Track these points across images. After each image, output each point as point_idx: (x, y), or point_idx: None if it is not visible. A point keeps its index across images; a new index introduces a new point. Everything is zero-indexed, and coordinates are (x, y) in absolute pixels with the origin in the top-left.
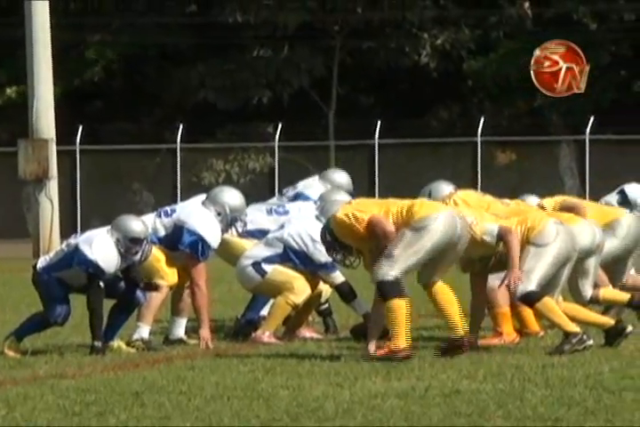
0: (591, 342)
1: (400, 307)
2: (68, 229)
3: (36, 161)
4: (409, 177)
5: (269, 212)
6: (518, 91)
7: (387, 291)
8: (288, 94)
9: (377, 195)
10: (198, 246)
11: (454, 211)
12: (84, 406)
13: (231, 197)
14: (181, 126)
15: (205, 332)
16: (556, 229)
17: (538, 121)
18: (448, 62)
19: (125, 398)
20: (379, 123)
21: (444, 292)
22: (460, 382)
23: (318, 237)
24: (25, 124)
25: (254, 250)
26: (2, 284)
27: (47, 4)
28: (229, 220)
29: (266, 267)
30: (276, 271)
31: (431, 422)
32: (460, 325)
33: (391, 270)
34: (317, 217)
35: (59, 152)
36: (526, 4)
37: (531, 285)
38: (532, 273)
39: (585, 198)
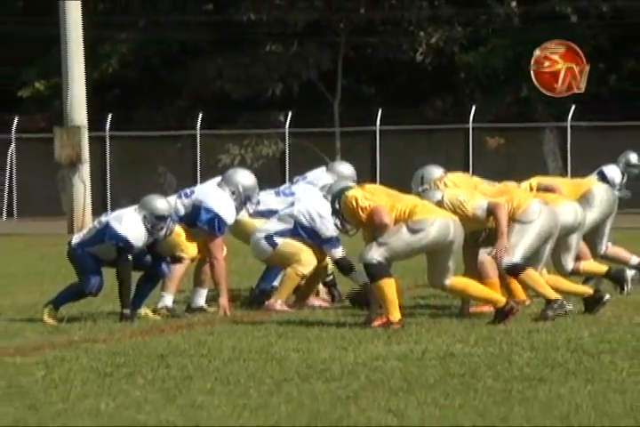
0: (571, 306)
1: (388, 285)
2: (98, 208)
3: (70, 146)
4: (407, 160)
5: (277, 194)
6: (506, 82)
7: (373, 273)
8: (297, 86)
9: (378, 176)
10: (215, 223)
11: (451, 218)
12: (114, 368)
13: (244, 177)
14: (201, 115)
15: (224, 300)
16: (540, 208)
17: (524, 109)
18: (442, 57)
19: (152, 360)
20: (379, 111)
21: (461, 285)
22: (453, 345)
23: (325, 214)
24: (55, 114)
25: (267, 224)
26: (40, 257)
27: (79, 3)
28: (243, 198)
29: (277, 240)
30: (285, 244)
31: (428, 382)
32: (495, 297)
33: (377, 255)
34: (324, 196)
35: (90, 138)
36: (513, 4)
37: (515, 257)
38: (517, 247)
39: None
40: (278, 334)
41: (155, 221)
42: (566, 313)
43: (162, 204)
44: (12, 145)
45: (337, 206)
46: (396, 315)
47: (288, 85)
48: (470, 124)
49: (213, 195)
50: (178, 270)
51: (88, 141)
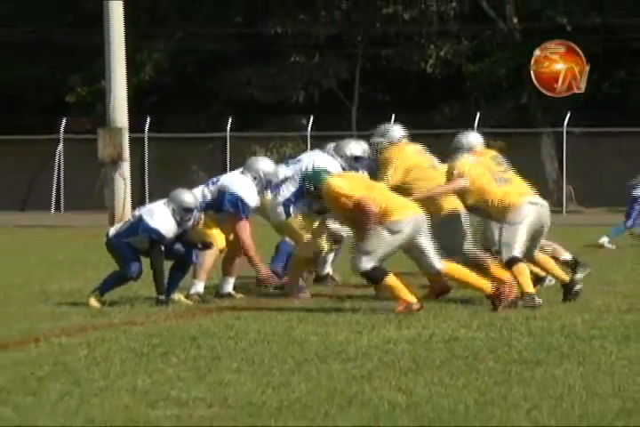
0: (540, 301)
1: (390, 280)
2: (137, 202)
3: (112, 146)
4: None
5: (287, 164)
6: (507, 90)
7: (372, 278)
8: (318, 93)
9: None
10: (239, 205)
11: (421, 213)
12: (150, 348)
13: (264, 164)
14: (230, 119)
15: (264, 272)
16: (528, 209)
17: (524, 116)
18: (450, 67)
19: (184, 342)
20: (393, 117)
21: (452, 272)
22: (458, 330)
23: (330, 168)
24: (98, 117)
25: (285, 192)
26: (84, 247)
27: (122, 16)
28: (264, 183)
29: (292, 210)
30: (296, 220)
31: (434, 364)
32: (483, 285)
33: (368, 263)
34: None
35: (130, 139)
36: (515, 20)
37: (514, 252)
38: (516, 243)
39: (562, 180)
40: (299, 318)
41: (183, 213)
42: (534, 306)
43: (188, 197)
44: (60, 145)
45: (310, 187)
46: (410, 298)
47: (310, 93)
48: (475, 129)
49: (237, 180)
50: (208, 260)
51: (128, 142)
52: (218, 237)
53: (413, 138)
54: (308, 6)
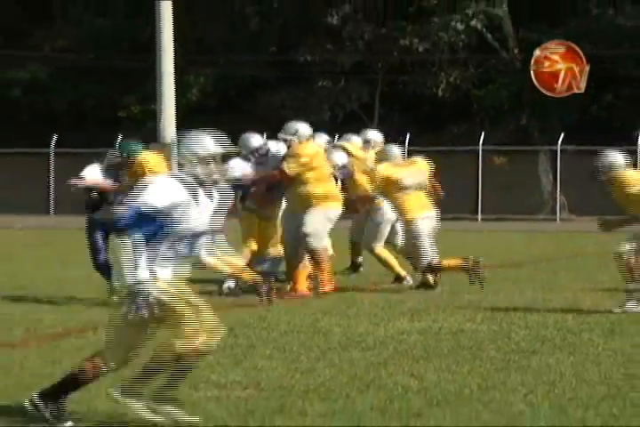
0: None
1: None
2: None
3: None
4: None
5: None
6: (509, 113)
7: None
8: (342, 114)
9: None
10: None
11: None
12: None
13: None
14: (265, 135)
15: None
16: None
17: (523, 135)
18: (458, 92)
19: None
20: (408, 135)
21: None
22: (464, 323)
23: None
24: (148, 133)
25: None
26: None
27: (172, 44)
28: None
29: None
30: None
31: (442, 353)
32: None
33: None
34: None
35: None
36: (516, 50)
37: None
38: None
39: (557, 191)
40: (324, 311)
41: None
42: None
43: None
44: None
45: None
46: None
47: (335, 113)
48: (480, 146)
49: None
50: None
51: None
52: (251, 240)
53: (425, 154)
54: (335, 37)
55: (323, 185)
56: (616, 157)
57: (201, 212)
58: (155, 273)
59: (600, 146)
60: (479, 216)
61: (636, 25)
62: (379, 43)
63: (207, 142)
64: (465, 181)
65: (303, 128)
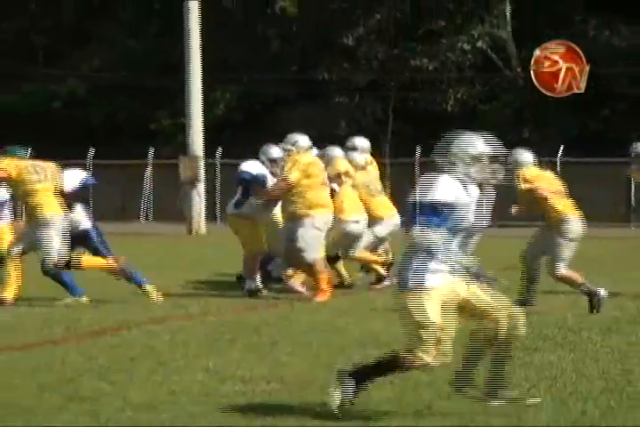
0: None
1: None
2: (210, 215)
3: (190, 170)
4: None
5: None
6: (512, 127)
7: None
8: (357, 129)
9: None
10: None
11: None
12: (220, 335)
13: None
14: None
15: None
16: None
17: (525, 145)
18: (465, 108)
19: (248, 329)
20: (418, 147)
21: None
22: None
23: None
24: (178, 146)
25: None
26: (168, 250)
27: (199, 63)
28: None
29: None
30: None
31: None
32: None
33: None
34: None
35: (205, 165)
36: (519, 69)
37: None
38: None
39: None
40: (341, 311)
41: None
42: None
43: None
44: (149, 168)
45: None
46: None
47: (351, 129)
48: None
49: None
50: (250, 261)
51: (204, 167)
52: (251, 240)
53: (434, 165)
54: (351, 57)
55: (314, 192)
56: (522, 156)
57: (473, 210)
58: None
59: (597, 157)
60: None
61: (630, 45)
62: (391, 62)
63: (477, 142)
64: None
65: (302, 139)
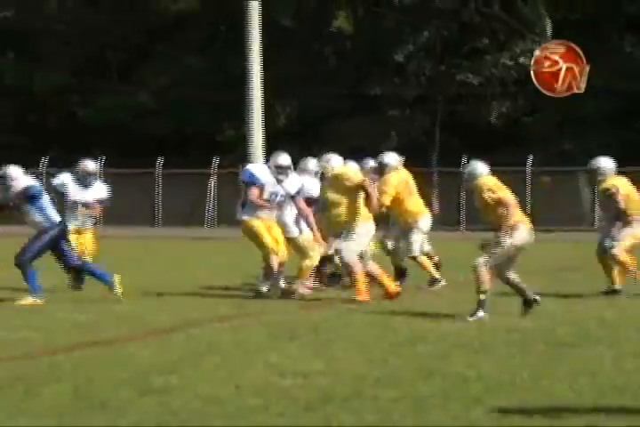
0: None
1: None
2: None
3: None
4: None
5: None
6: (553, 138)
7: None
8: (407, 139)
9: (464, 204)
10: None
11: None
12: (280, 332)
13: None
14: (342, 157)
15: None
16: None
17: (565, 157)
18: (509, 120)
19: (307, 327)
20: (464, 158)
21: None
22: (515, 321)
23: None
24: (241, 156)
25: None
26: (235, 253)
27: (260, 79)
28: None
29: (303, 227)
30: (305, 238)
31: (496, 346)
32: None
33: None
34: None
35: None
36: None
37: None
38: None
39: (595, 205)
40: (391, 310)
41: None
42: None
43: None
44: (213, 177)
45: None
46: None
47: (402, 139)
48: (528, 167)
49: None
50: (273, 263)
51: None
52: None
53: None
54: (401, 73)
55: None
56: (475, 167)
57: None
58: None
59: (632, 166)
60: None
61: None
62: (439, 78)
63: None
64: (516, 197)
65: (335, 159)
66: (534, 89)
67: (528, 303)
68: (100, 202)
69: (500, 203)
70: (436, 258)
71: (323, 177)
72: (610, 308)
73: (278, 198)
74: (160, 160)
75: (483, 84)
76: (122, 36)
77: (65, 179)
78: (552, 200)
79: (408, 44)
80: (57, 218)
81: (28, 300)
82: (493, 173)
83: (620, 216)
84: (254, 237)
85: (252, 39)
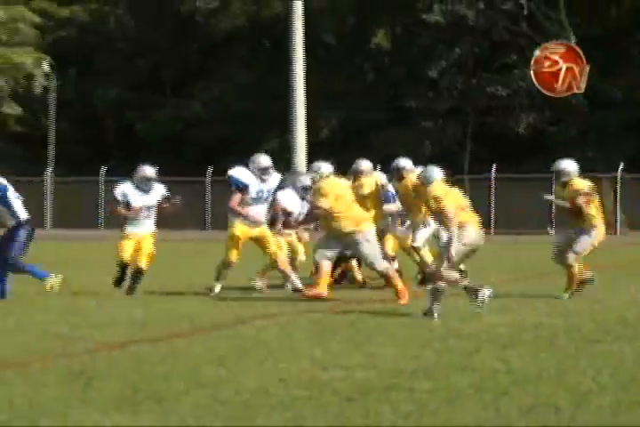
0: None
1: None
2: None
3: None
4: (510, 197)
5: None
6: (576, 147)
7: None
8: (439, 149)
9: (493, 207)
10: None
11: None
12: (323, 328)
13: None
14: (379, 167)
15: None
16: None
17: (589, 165)
18: (536, 130)
19: (346, 324)
20: (494, 166)
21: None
22: (542, 318)
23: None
24: (285, 162)
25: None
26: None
27: (303, 93)
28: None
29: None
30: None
31: (525, 342)
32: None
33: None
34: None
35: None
36: (581, 96)
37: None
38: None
39: (617, 210)
40: (424, 310)
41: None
42: None
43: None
44: None
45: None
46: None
47: (434, 148)
48: (554, 175)
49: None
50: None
51: None
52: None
53: (507, 181)
54: (434, 87)
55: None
56: (430, 173)
57: None
58: None
59: None
60: (552, 231)
61: None
62: (470, 91)
63: None
64: (541, 202)
65: (324, 166)
66: (558, 100)
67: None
68: (167, 200)
69: (441, 212)
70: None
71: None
72: (631, 307)
73: (265, 195)
74: (210, 168)
75: (511, 96)
76: (176, 54)
77: (125, 188)
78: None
79: (440, 60)
80: (25, 215)
81: (49, 282)
82: (520, 180)
83: (579, 220)
84: (228, 239)
85: (296, 55)
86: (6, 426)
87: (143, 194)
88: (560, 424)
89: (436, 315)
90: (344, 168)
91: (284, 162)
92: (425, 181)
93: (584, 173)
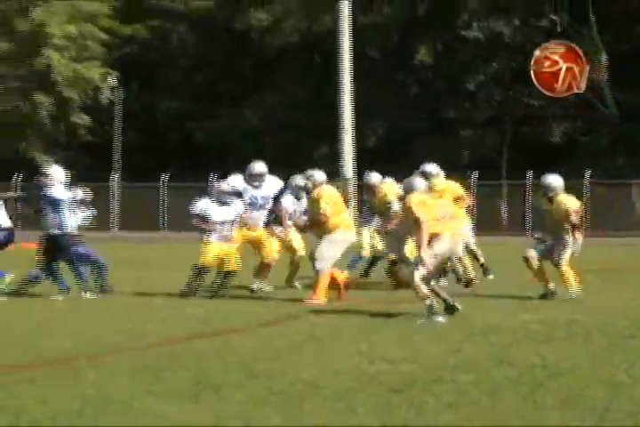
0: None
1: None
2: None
3: (342, 189)
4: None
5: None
6: (606, 155)
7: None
8: (478, 157)
9: (529, 212)
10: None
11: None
12: (367, 324)
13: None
14: (417, 173)
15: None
16: None
17: (619, 172)
18: (567, 139)
19: (391, 320)
20: (529, 173)
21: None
22: (575, 314)
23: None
24: (334, 170)
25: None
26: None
27: (350, 103)
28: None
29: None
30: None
31: (558, 338)
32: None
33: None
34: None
35: (357, 186)
36: (613, 106)
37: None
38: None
39: None
40: (469, 304)
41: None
42: None
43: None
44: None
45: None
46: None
47: (472, 156)
48: (586, 180)
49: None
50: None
51: (355, 187)
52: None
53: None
54: (473, 99)
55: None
56: (411, 182)
57: None
58: None
59: None
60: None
61: None
62: (506, 102)
63: None
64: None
65: (318, 174)
66: (590, 110)
67: (450, 309)
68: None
69: (415, 221)
70: (482, 259)
71: (307, 191)
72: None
73: (260, 201)
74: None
75: (545, 107)
76: (233, 68)
77: (204, 204)
78: (608, 209)
79: (478, 74)
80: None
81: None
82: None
83: (567, 232)
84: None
85: (344, 69)
86: (79, 412)
87: (223, 207)
88: (594, 414)
89: (440, 318)
90: (391, 174)
91: (334, 168)
92: (405, 190)
93: (614, 179)
